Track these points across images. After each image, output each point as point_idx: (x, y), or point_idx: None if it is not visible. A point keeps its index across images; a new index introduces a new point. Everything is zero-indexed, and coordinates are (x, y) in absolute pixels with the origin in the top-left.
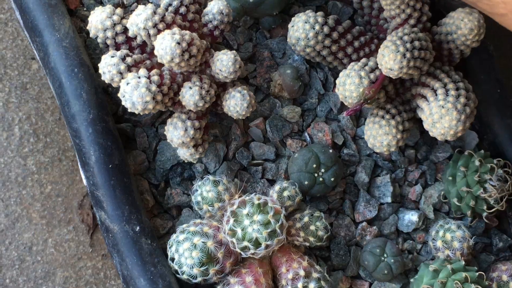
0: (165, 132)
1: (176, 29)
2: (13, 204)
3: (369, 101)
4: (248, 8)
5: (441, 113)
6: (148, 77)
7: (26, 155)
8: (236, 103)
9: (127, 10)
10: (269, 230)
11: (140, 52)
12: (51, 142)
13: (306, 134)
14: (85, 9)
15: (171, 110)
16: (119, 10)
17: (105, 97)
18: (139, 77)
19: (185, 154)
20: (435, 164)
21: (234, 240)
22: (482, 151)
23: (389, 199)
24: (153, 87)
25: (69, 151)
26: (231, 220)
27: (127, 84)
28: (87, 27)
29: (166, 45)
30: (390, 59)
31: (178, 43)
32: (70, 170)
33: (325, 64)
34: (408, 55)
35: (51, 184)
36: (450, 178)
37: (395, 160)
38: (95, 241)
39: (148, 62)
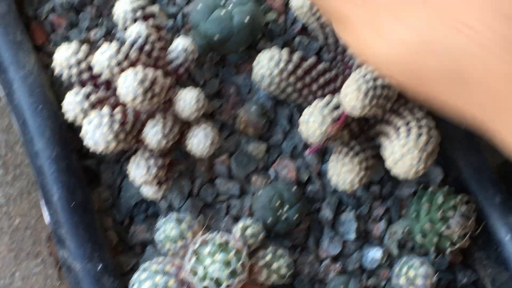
0: (127, 171)
1: (139, 68)
2: None
3: (332, 139)
4: (214, 45)
5: (402, 152)
6: (111, 116)
7: None
8: (199, 141)
9: (94, 46)
10: (230, 270)
11: (105, 89)
12: (20, 174)
13: (271, 170)
14: (52, 45)
15: (136, 148)
16: (84, 47)
17: (69, 134)
18: (101, 116)
19: (148, 192)
20: (400, 200)
21: (195, 279)
22: (446, 187)
23: (353, 236)
24: (116, 126)
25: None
26: (193, 259)
27: (89, 123)
28: (52, 64)
29: (128, 84)
30: (352, 98)
31: (141, 82)
32: (39, 203)
33: (291, 101)
34: (370, 93)
35: (20, 216)
36: (414, 214)
37: (360, 196)
38: (63, 275)
39: (112, 99)
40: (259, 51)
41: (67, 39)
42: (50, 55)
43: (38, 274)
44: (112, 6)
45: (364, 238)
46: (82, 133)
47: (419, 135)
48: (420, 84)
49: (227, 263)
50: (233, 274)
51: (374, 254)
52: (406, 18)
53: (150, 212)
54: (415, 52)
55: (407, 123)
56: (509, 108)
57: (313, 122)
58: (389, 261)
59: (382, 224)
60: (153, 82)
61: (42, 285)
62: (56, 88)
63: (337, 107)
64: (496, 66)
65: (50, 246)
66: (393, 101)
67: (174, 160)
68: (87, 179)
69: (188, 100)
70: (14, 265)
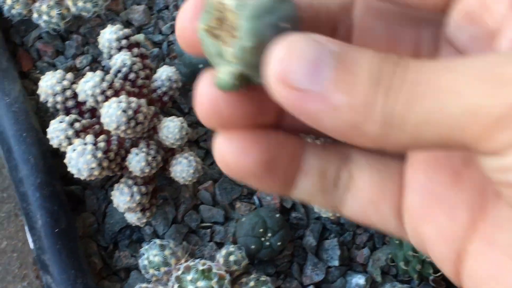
0: (112, 197)
1: (123, 97)
2: None
3: None
4: (199, 73)
5: None
6: (95, 144)
7: None
8: (182, 169)
9: (79, 74)
10: None
11: (90, 117)
12: (7, 198)
13: (255, 197)
14: (38, 71)
15: (120, 174)
16: (69, 75)
17: (53, 160)
18: (85, 144)
19: (132, 218)
20: None
21: None
22: None
23: (336, 262)
24: (99, 154)
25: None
26: (176, 286)
27: (73, 150)
28: (38, 92)
29: (112, 113)
30: None
31: (124, 111)
32: None
33: None
34: None
35: (7, 239)
36: (397, 241)
37: (343, 223)
38: None
39: (97, 126)
40: None
41: (53, 66)
42: (35, 81)
43: None
44: (98, 34)
45: (348, 265)
46: (66, 160)
47: None
48: None
49: None
50: None
51: (358, 281)
52: None
53: (135, 237)
54: None
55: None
56: None
57: None
58: (373, 287)
59: (365, 251)
60: (137, 111)
61: None
62: (40, 115)
63: None
64: None
65: (36, 269)
66: None
67: (158, 186)
68: (72, 204)
69: (171, 128)
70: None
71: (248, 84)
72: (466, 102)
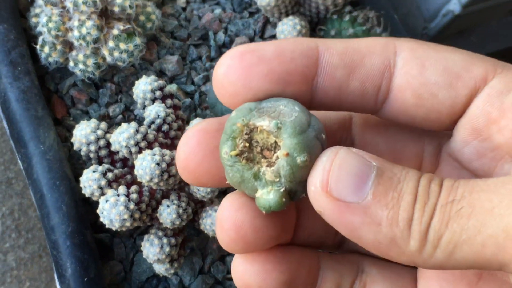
0: (141, 248)
1: (156, 149)
2: None
3: None
4: None
5: None
6: (127, 195)
7: (7, 250)
8: (212, 222)
9: (112, 122)
10: None
11: (121, 166)
12: (32, 238)
13: None
14: (71, 118)
15: (150, 223)
16: (103, 125)
17: (85, 209)
18: (118, 195)
19: (160, 268)
20: None
21: None
22: None
23: None
24: (131, 206)
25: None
26: None
27: (106, 201)
28: (72, 140)
29: (145, 166)
30: None
31: (158, 164)
32: (50, 267)
33: None
34: None
35: (30, 280)
36: None
37: None
38: None
39: (129, 176)
40: None
41: (86, 113)
42: (68, 128)
43: None
44: (131, 83)
45: None
46: (99, 210)
47: None
48: None
49: None
50: None
51: None
52: None
53: (161, 287)
54: None
55: None
56: None
57: None
58: None
59: None
60: (170, 164)
61: None
62: (72, 162)
63: None
64: None
65: None
66: None
67: (186, 237)
68: (100, 251)
69: None
70: None
71: (290, 201)
72: (506, 223)
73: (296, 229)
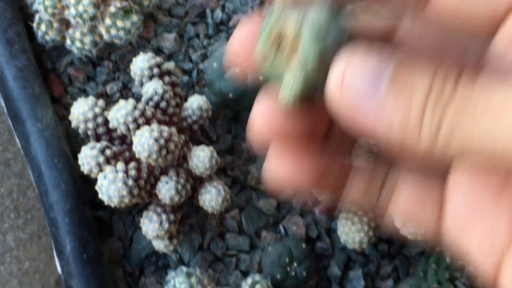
0: (140, 224)
1: (154, 126)
2: None
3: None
4: (228, 102)
5: None
6: (126, 171)
7: (6, 230)
8: (211, 198)
9: (110, 100)
10: None
11: (120, 143)
12: (31, 219)
13: (281, 226)
14: (69, 97)
15: (149, 201)
16: (101, 102)
17: (83, 185)
18: (116, 171)
19: (159, 245)
20: (407, 259)
21: None
22: None
23: None
24: (130, 182)
25: (48, 228)
26: None
27: (105, 178)
28: (69, 118)
29: (144, 142)
30: None
31: (156, 140)
32: (49, 247)
33: None
34: None
35: (29, 260)
36: (422, 274)
37: (368, 254)
38: None
39: (127, 153)
40: None
41: (83, 91)
42: (66, 106)
43: None
44: (129, 60)
45: None
46: (97, 187)
47: None
48: None
49: None
50: None
51: None
52: None
53: (161, 264)
54: None
55: None
56: None
57: None
58: None
59: (389, 283)
60: (168, 140)
61: None
62: (70, 140)
63: None
64: None
65: None
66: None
67: (185, 214)
68: (99, 229)
69: (202, 157)
70: None
71: (310, 99)
72: None
73: (330, 125)
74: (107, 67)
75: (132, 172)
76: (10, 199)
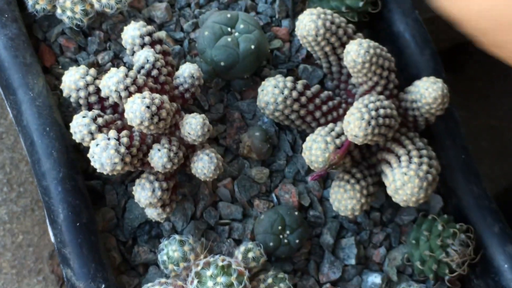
0: (133, 192)
1: (146, 93)
2: None
3: (334, 166)
4: (219, 71)
5: (403, 180)
6: (118, 139)
7: None
8: (203, 165)
9: (101, 70)
10: None
11: (112, 112)
12: (24, 192)
13: (273, 195)
14: (60, 67)
15: (141, 170)
16: (92, 71)
17: (75, 155)
18: (108, 139)
19: (152, 213)
20: (399, 227)
21: None
22: (446, 216)
23: (353, 261)
24: (122, 149)
25: (41, 202)
26: (195, 281)
27: (97, 145)
28: (61, 87)
29: (135, 109)
30: (355, 126)
31: (148, 107)
32: (42, 221)
33: (294, 127)
34: (373, 122)
35: (23, 234)
36: (414, 241)
37: (360, 222)
38: None
39: (119, 122)
40: (263, 78)
41: (75, 61)
42: (57, 76)
43: None
44: (120, 30)
45: (364, 264)
46: (89, 155)
47: (420, 164)
48: (501, 35)
49: (229, 286)
50: None
51: (374, 280)
52: None
53: (153, 233)
54: (504, 5)
55: (408, 152)
56: None
57: (316, 149)
58: (388, 286)
59: (382, 250)
60: (160, 107)
61: None
62: (62, 109)
63: (340, 134)
64: None
65: (52, 263)
66: (395, 130)
67: (178, 182)
68: (92, 199)
69: (194, 125)
70: (16, 281)
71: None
72: None
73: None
74: (98, 37)
75: (124, 140)
76: (3, 172)
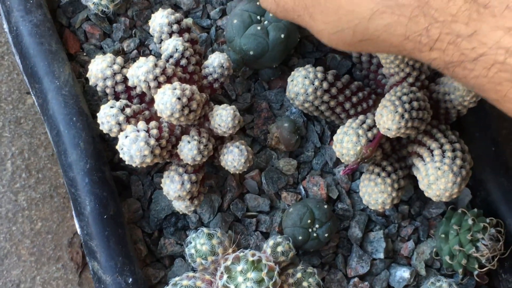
0: (161, 185)
1: (176, 84)
2: (2, 240)
3: (366, 159)
4: (248, 60)
5: (437, 175)
6: (147, 131)
7: (18, 190)
8: (233, 158)
9: (127, 57)
10: None
11: (139, 102)
12: (43, 178)
13: (301, 187)
14: (85, 54)
15: (168, 161)
16: (119, 59)
17: (102, 145)
18: (138, 131)
19: (180, 206)
20: (428, 220)
21: None
22: (475, 210)
23: (381, 255)
24: (152, 141)
25: (60, 188)
26: (225, 276)
27: (126, 137)
28: (87, 75)
29: (166, 100)
30: (388, 119)
31: (179, 99)
32: (61, 207)
33: (323, 118)
34: (406, 115)
35: (42, 220)
36: (443, 235)
37: (388, 215)
38: (83, 280)
39: (147, 112)
40: (291, 67)
41: (100, 48)
42: (82, 64)
43: (58, 278)
44: (145, 16)
45: (392, 257)
46: (118, 146)
47: (454, 158)
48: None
49: (260, 282)
50: None
51: (402, 274)
52: None
53: (180, 225)
54: None
55: (441, 146)
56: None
57: (347, 142)
58: (416, 281)
59: (410, 244)
60: (190, 99)
61: None
62: (87, 98)
63: (371, 127)
64: None
65: (71, 251)
66: (427, 123)
67: (205, 174)
68: (117, 190)
69: (224, 117)
70: (35, 269)
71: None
72: None
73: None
74: (123, 23)
75: (154, 131)
76: (21, 158)
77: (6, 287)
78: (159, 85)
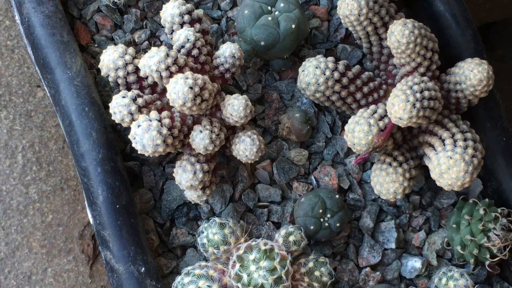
0: (173, 174)
1: (188, 73)
2: (14, 233)
3: (377, 149)
4: (259, 51)
5: (449, 164)
6: (159, 120)
7: (29, 183)
8: (245, 147)
9: (138, 48)
10: (275, 277)
11: (150, 92)
12: (53, 171)
13: (312, 177)
14: (96, 45)
15: (180, 151)
16: (131, 50)
17: (114, 135)
18: (150, 120)
19: (192, 195)
20: (439, 211)
21: (239, 285)
22: (487, 200)
23: (393, 245)
24: (164, 130)
25: (71, 180)
26: (237, 265)
27: (138, 126)
28: (99, 66)
29: (178, 90)
30: (400, 108)
31: (191, 88)
32: (72, 200)
33: (334, 108)
34: (417, 105)
35: (53, 213)
36: (454, 225)
37: (399, 205)
38: (94, 272)
39: (158, 102)
40: (301, 58)
41: (111, 40)
42: (94, 55)
43: (69, 271)
44: (156, 8)
45: (403, 248)
46: (130, 136)
47: (466, 147)
48: None
49: (272, 270)
50: (277, 281)
51: (414, 264)
52: None
53: (191, 215)
54: None
55: (453, 135)
56: None
57: (359, 132)
58: (428, 271)
59: (421, 234)
60: (202, 88)
61: (74, 282)
62: (98, 89)
63: (382, 117)
64: None
65: (82, 243)
66: (438, 113)
67: (217, 164)
68: (130, 180)
69: (236, 106)
70: (46, 261)
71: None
72: None
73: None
74: (134, 15)
75: (166, 121)
76: (32, 151)
77: (17, 279)
78: (171, 75)
